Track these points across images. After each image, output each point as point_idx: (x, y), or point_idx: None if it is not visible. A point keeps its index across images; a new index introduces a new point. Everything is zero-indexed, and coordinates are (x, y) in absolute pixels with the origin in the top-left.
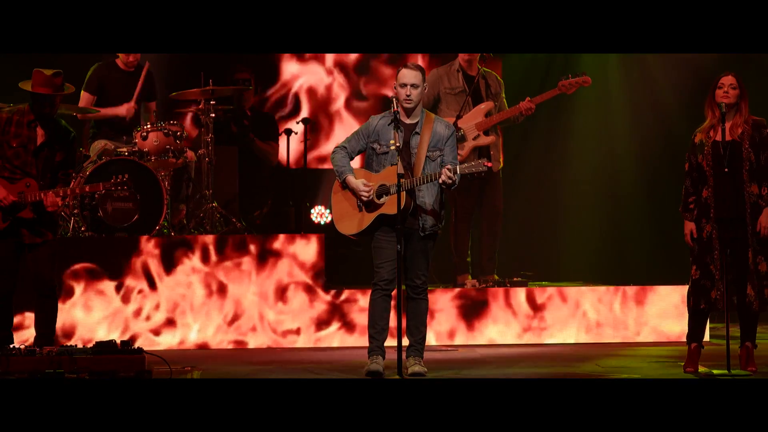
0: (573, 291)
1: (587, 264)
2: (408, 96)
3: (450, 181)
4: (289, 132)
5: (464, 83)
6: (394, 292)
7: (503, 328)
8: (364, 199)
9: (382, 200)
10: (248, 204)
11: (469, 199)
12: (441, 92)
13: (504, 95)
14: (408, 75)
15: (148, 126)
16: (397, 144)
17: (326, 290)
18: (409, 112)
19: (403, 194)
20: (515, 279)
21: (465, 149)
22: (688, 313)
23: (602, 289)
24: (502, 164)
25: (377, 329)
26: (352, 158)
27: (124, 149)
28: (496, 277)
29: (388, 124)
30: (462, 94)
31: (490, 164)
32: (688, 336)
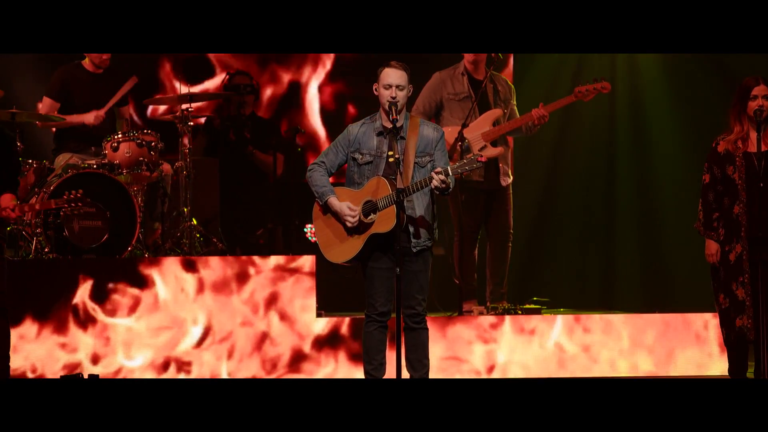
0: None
1: (608, 288)
2: (394, 98)
3: (443, 186)
4: (278, 142)
5: (470, 88)
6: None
7: (519, 360)
8: (349, 225)
9: (370, 218)
10: (231, 222)
11: (475, 215)
12: (444, 98)
13: (515, 102)
14: (393, 75)
15: (120, 136)
16: (397, 155)
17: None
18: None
19: (392, 208)
20: (527, 305)
21: None
22: (725, 345)
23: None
24: (512, 178)
25: (374, 365)
26: (331, 173)
27: (93, 161)
28: (506, 303)
29: (378, 134)
30: (467, 101)
31: (484, 159)
32: (729, 371)
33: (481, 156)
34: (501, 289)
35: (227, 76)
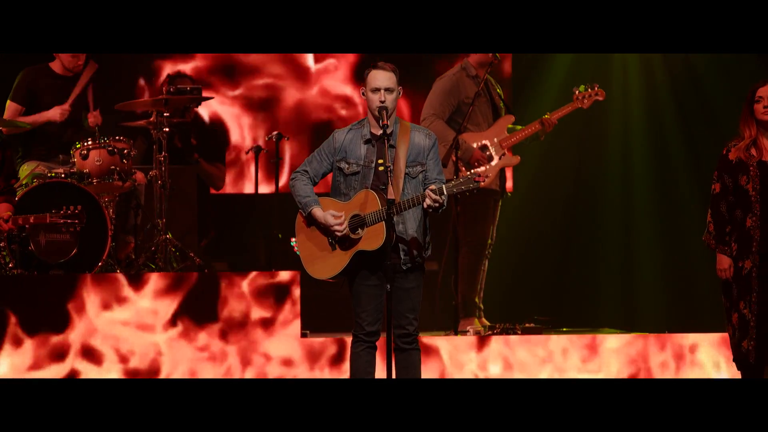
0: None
1: (613, 306)
2: (382, 102)
3: (436, 205)
4: (258, 149)
5: (483, 92)
6: (379, 341)
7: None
8: (338, 235)
9: (357, 234)
10: (201, 236)
11: (489, 224)
12: (462, 102)
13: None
14: (381, 77)
15: (89, 143)
16: (388, 164)
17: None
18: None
19: (381, 225)
20: (527, 325)
21: (493, 171)
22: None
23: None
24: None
25: None
26: (315, 183)
27: (61, 170)
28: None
29: (366, 142)
30: (486, 105)
31: (481, 178)
32: None
33: (479, 176)
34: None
35: (167, 79)
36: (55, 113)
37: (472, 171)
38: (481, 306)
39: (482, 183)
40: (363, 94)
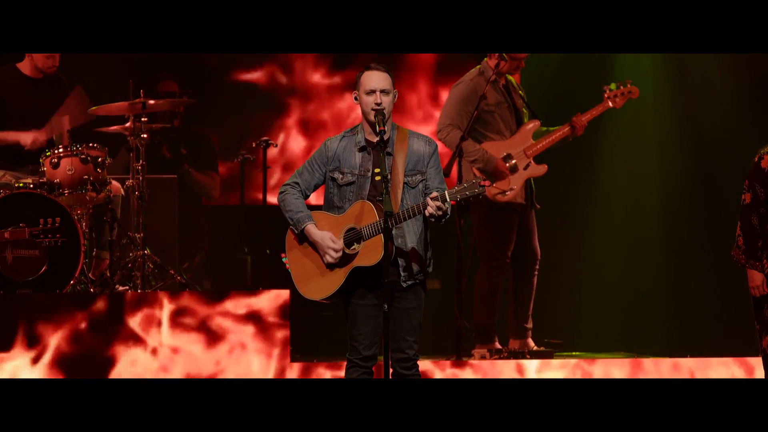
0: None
1: (628, 328)
2: (379, 105)
3: (440, 213)
4: (244, 159)
5: (505, 95)
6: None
7: None
8: (330, 261)
9: (353, 249)
10: (189, 251)
11: (511, 240)
12: (481, 109)
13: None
14: (376, 78)
15: (60, 150)
16: (385, 173)
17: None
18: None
19: (379, 238)
20: (538, 348)
21: (517, 182)
22: None
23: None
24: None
25: None
26: (307, 196)
27: (29, 180)
28: (532, 342)
29: (360, 149)
30: (507, 111)
31: (488, 183)
32: None
33: (485, 179)
34: (526, 323)
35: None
36: (27, 138)
37: (476, 177)
38: (515, 324)
39: (505, 196)
40: (356, 98)
